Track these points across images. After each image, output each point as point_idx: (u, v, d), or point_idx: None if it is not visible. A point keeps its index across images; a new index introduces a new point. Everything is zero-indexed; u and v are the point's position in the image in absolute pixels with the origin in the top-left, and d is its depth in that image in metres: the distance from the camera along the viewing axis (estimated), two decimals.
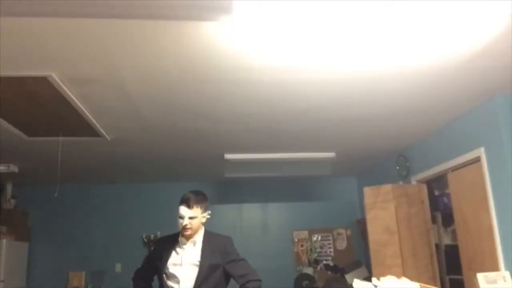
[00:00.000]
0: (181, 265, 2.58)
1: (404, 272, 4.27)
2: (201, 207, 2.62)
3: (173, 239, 2.69)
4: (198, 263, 2.56)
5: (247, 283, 2.59)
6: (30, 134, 4.23)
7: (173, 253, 2.63)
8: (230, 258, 2.63)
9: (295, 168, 5.90)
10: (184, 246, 2.63)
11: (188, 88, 3.24)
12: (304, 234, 6.79)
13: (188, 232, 2.58)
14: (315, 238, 6.77)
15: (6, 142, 4.37)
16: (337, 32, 2.47)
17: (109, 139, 4.40)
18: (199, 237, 2.66)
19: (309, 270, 6.55)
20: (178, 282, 2.54)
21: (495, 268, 3.53)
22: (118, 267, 6.44)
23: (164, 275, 2.59)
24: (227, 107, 3.66)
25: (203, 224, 2.70)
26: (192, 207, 2.58)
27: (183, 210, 2.57)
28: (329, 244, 6.81)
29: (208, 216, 2.70)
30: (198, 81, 3.12)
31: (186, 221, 2.55)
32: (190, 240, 2.63)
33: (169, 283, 2.57)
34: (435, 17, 2.36)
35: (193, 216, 2.57)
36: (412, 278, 3.08)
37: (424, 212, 4.79)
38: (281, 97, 3.47)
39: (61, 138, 4.25)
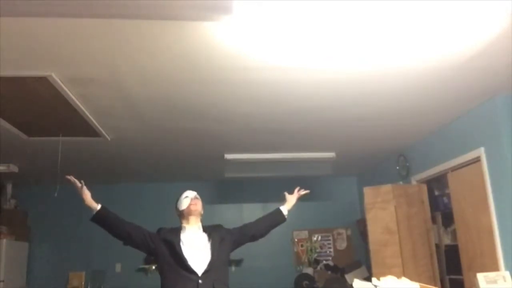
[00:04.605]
0: (191, 246, 2.61)
1: (404, 272, 4.27)
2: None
3: (174, 229, 2.74)
4: (208, 242, 2.65)
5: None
6: (30, 134, 4.23)
7: (181, 237, 2.65)
8: (231, 229, 2.86)
9: (295, 168, 5.89)
10: (190, 231, 2.68)
11: (188, 88, 3.24)
12: (304, 234, 6.79)
13: (194, 208, 2.70)
14: (315, 238, 6.77)
15: (6, 142, 4.37)
16: (338, 32, 2.48)
17: (109, 139, 4.40)
18: (200, 225, 2.75)
19: (309, 270, 6.55)
20: (188, 260, 2.55)
21: (495, 268, 3.53)
22: (118, 267, 6.44)
23: (177, 253, 2.57)
24: (227, 107, 3.66)
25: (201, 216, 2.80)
26: (196, 192, 2.80)
27: (189, 192, 2.77)
28: (329, 244, 6.81)
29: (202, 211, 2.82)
30: (198, 81, 3.12)
31: (192, 197, 2.73)
32: (194, 223, 2.70)
33: (184, 258, 2.55)
34: (435, 17, 2.36)
35: (197, 197, 2.77)
36: (412, 278, 3.08)
37: (424, 212, 4.78)
38: (281, 97, 3.47)
39: (61, 138, 4.25)
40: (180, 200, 2.74)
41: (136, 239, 2.68)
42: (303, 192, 3.10)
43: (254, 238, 2.90)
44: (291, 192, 3.09)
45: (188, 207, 2.69)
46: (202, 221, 2.77)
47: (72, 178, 2.67)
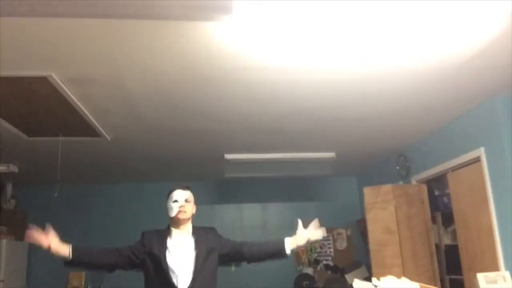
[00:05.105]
0: (178, 255, 2.47)
1: (404, 272, 4.26)
2: (193, 196, 2.63)
3: (161, 233, 2.58)
4: (193, 251, 2.48)
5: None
6: (30, 134, 4.23)
7: (167, 244, 2.50)
8: (225, 239, 2.65)
9: (295, 168, 5.89)
10: (177, 236, 2.53)
11: (188, 88, 3.24)
12: None
13: (183, 216, 2.52)
14: None
15: (6, 142, 4.37)
16: (337, 32, 2.47)
17: (109, 139, 4.40)
18: (189, 229, 2.59)
19: (309, 270, 6.55)
20: (175, 272, 2.42)
21: (495, 268, 3.53)
22: None
23: (162, 269, 2.45)
24: (227, 107, 3.66)
25: (192, 217, 2.64)
26: (186, 190, 2.60)
27: (178, 193, 2.56)
28: (329, 244, 6.80)
29: (194, 211, 2.65)
30: (198, 81, 3.12)
31: (181, 202, 2.52)
32: (183, 228, 2.55)
33: (168, 275, 2.43)
34: (435, 17, 2.36)
35: (188, 200, 2.56)
36: (412, 278, 3.08)
37: (424, 212, 4.78)
38: (281, 97, 3.47)
39: (61, 138, 4.25)
40: (169, 204, 2.54)
41: (120, 264, 2.58)
42: (319, 234, 2.80)
43: (246, 259, 2.68)
44: (306, 222, 2.79)
45: (176, 215, 2.51)
46: (193, 221, 2.63)
47: (31, 235, 2.44)
